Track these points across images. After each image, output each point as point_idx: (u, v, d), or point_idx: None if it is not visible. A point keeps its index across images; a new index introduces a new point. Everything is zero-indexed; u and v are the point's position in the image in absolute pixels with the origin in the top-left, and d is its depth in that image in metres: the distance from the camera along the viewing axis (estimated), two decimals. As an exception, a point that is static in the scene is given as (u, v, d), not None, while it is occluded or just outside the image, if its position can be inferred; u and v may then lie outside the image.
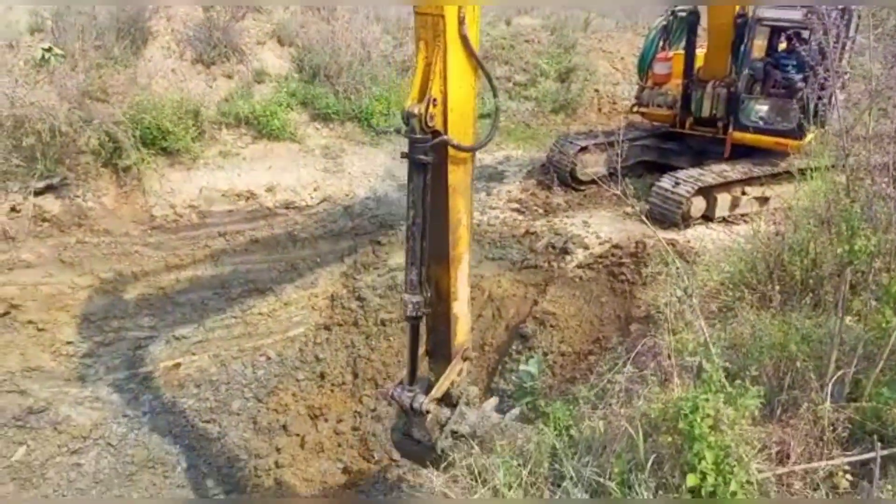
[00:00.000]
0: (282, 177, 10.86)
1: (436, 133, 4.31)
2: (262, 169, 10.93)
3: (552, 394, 6.55)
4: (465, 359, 5.17)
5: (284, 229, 10.45)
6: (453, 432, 4.86)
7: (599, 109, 15.51)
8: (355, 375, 9.27)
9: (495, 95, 5.06)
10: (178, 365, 9.34)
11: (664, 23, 11.59)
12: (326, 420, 8.96)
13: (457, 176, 4.64)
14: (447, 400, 5.07)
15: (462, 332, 5.09)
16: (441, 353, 5.05)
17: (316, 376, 9.41)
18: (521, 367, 6.40)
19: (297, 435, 8.78)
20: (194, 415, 8.94)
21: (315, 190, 10.94)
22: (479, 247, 10.08)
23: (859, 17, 9.11)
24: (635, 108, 11.98)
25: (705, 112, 10.68)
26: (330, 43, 12.61)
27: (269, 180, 10.77)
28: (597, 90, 15.75)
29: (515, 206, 11.24)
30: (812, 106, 7.50)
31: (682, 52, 11.36)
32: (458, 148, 4.50)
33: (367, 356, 9.38)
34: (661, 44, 11.63)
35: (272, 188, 10.68)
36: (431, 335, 5.04)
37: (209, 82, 11.53)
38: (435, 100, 4.23)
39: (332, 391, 9.22)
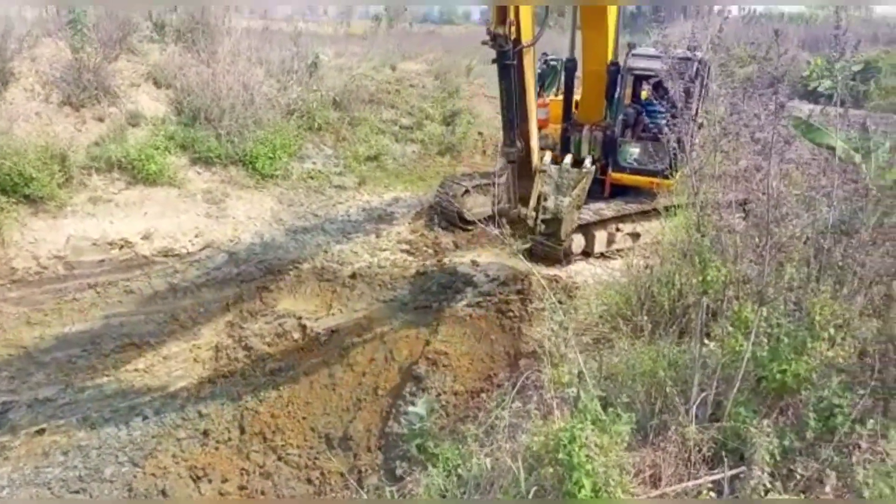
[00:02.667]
0: (160, 223, 10.37)
1: (516, 42, 6.21)
2: (137, 216, 10.38)
3: (445, 433, 6.55)
4: (540, 171, 8.08)
5: (163, 278, 9.93)
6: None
7: (484, 151, 16.06)
8: (242, 431, 8.81)
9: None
10: (41, 431, 8.52)
11: (538, 71, 12.24)
12: (210, 481, 8.41)
13: (529, 61, 6.81)
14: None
15: (535, 160, 7.80)
16: (527, 174, 7.89)
17: (199, 434, 8.86)
18: (411, 409, 6.38)
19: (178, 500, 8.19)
20: (61, 485, 8.13)
21: (196, 236, 10.51)
22: (369, 289, 10.03)
23: (709, 68, 10.08)
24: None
25: (584, 154, 11.29)
26: (211, 85, 12.34)
27: (145, 227, 10.24)
28: (480, 133, 16.32)
29: (405, 247, 11.32)
30: (674, 149, 8.14)
31: (556, 97, 12.02)
32: (528, 45, 6.52)
33: (255, 409, 8.96)
34: (537, 90, 12.25)
35: (149, 235, 10.16)
36: (520, 168, 7.69)
37: (78, 126, 10.91)
38: (512, 21, 6.02)
39: (216, 449, 8.70)
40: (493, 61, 6.52)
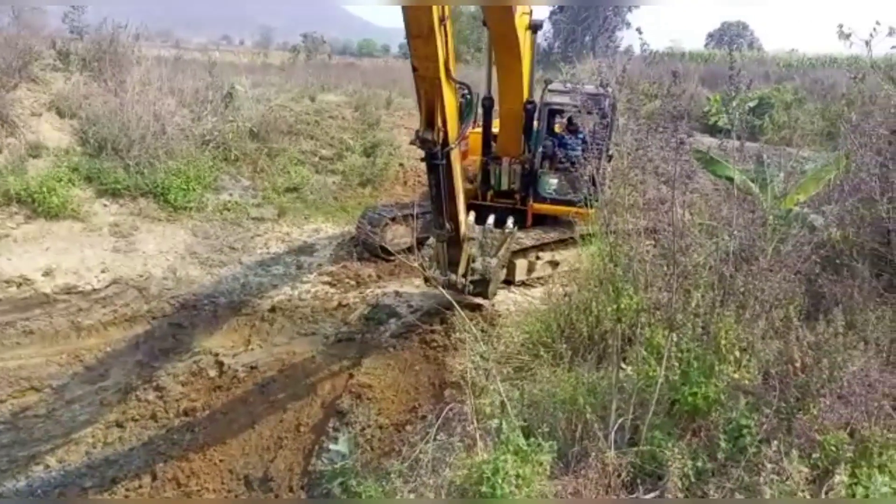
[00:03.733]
0: (62, 259, 9.78)
1: (443, 144, 6.49)
2: (37, 251, 9.77)
3: (369, 470, 6.41)
4: (468, 239, 8.22)
5: (66, 317, 9.35)
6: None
7: (405, 182, 16.13)
8: (154, 477, 8.33)
9: (470, 94, 7.39)
10: (-75, 489, 7.77)
11: (457, 104, 12.45)
12: (120, 532, 7.90)
13: (456, 155, 7.03)
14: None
15: (463, 230, 7.94)
16: (455, 244, 8.01)
17: (107, 482, 8.32)
18: (332, 446, 6.23)
19: (84, 554, 7.63)
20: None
21: (102, 272, 9.97)
22: (290, 322, 9.79)
23: (616, 103, 10.58)
24: (438, 182, 12.59)
25: (504, 186, 11.51)
26: (119, 115, 11.86)
27: (46, 263, 9.64)
28: (401, 164, 16.39)
29: (327, 279, 11.14)
30: (591, 178, 8.46)
31: (475, 130, 12.26)
32: (453, 146, 6.72)
33: (168, 452, 8.51)
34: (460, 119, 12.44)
35: (50, 272, 9.56)
36: (450, 242, 7.96)
37: (-29, 157, 10.22)
38: (440, 128, 6.32)
39: (126, 498, 8.19)
40: (422, 160, 6.86)
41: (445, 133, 6.50)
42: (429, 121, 6.33)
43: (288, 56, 36.06)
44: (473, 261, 8.47)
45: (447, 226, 7.55)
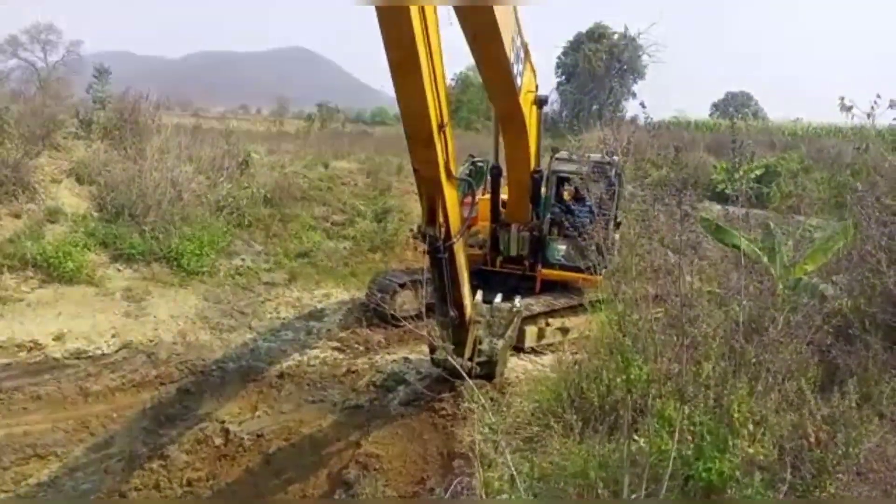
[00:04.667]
0: (74, 323, 9.85)
1: (446, 238, 6.50)
2: (50, 315, 9.85)
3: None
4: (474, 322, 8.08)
5: (74, 382, 9.31)
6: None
7: (415, 248, 16.24)
8: (154, 548, 8.12)
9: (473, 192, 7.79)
10: (-80, 561, 7.59)
11: (467, 171, 12.70)
12: None
13: (459, 247, 6.99)
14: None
15: (468, 314, 7.79)
16: (461, 327, 7.77)
17: (105, 554, 8.10)
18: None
19: None
20: None
21: (113, 336, 10.01)
22: (297, 389, 9.71)
23: (623, 171, 10.76)
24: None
25: (513, 252, 11.60)
26: (137, 182, 12.16)
27: (58, 328, 9.70)
28: (412, 230, 16.52)
29: (336, 344, 11.11)
30: (599, 245, 8.51)
31: (485, 196, 12.43)
32: (456, 240, 6.71)
33: (170, 524, 8.31)
34: (465, 189, 12.64)
35: (61, 336, 9.61)
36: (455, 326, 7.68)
37: (-8, 222, 10.46)
38: (441, 223, 6.35)
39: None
40: (425, 253, 6.90)
41: (448, 228, 6.52)
42: (430, 217, 6.38)
43: (303, 124, 37.11)
44: (480, 343, 8.30)
45: (452, 313, 7.42)
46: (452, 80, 56.11)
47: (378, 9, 4.62)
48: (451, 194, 6.44)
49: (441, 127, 5.73)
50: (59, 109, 14.84)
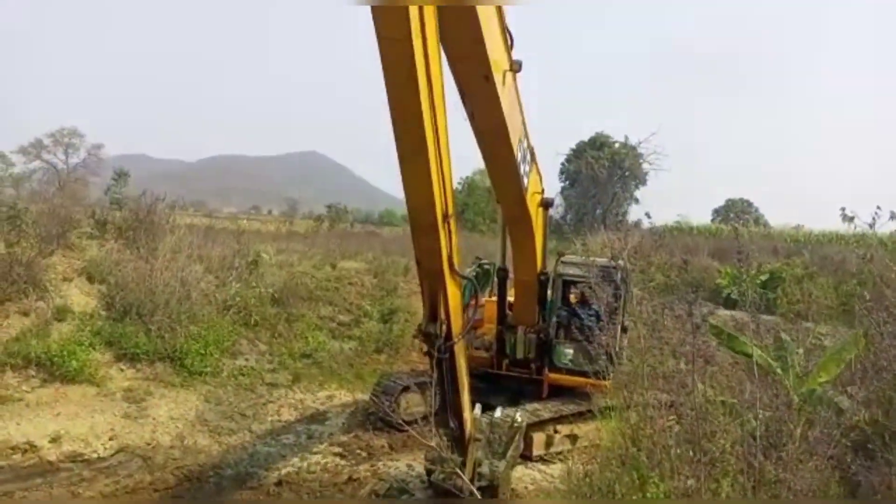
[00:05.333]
0: (71, 424, 9.63)
1: (447, 337, 6.23)
2: (48, 416, 9.66)
3: None
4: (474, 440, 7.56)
5: (66, 488, 8.98)
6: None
7: (421, 349, 16.08)
8: None
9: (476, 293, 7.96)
10: None
11: (473, 274, 12.79)
12: None
13: (460, 349, 6.75)
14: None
15: (468, 430, 7.33)
16: (461, 443, 7.33)
17: None
18: None
19: None
20: None
21: (111, 439, 9.76)
22: (296, 498, 9.32)
23: (629, 274, 10.81)
24: (454, 350, 12.57)
25: (520, 355, 11.46)
26: (147, 281, 12.28)
27: (55, 429, 9.48)
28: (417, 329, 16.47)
29: (338, 449, 10.77)
30: (606, 350, 8.41)
31: (491, 298, 12.45)
32: (459, 339, 6.46)
33: None
34: (472, 291, 12.68)
35: (58, 438, 9.37)
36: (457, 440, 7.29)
37: (0, 320, 10.47)
38: (443, 321, 6.10)
39: None
40: (425, 353, 6.69)
41: (449, 326, 6.27)
42: (432, 314, 6.18)
43: (312, 224, 37.86)
44: (479, 465, 7.76)
45: (452, 423, 7.05)
46: (459, 184, 57.86)
47: (393, 109, 4.85)
48: (453, 291, 6.26)
49: (446, 217, 5.66)
50: (76, 210, 15.25)
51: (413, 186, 5.37)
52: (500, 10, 6.44)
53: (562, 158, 56.62)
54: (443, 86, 5.10)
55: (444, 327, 6.18)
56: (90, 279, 12.30)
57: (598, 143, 54.84)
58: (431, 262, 5.91)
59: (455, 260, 6.14)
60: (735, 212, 60.09)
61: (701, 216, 58.49)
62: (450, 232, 5.85)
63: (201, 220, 23.55)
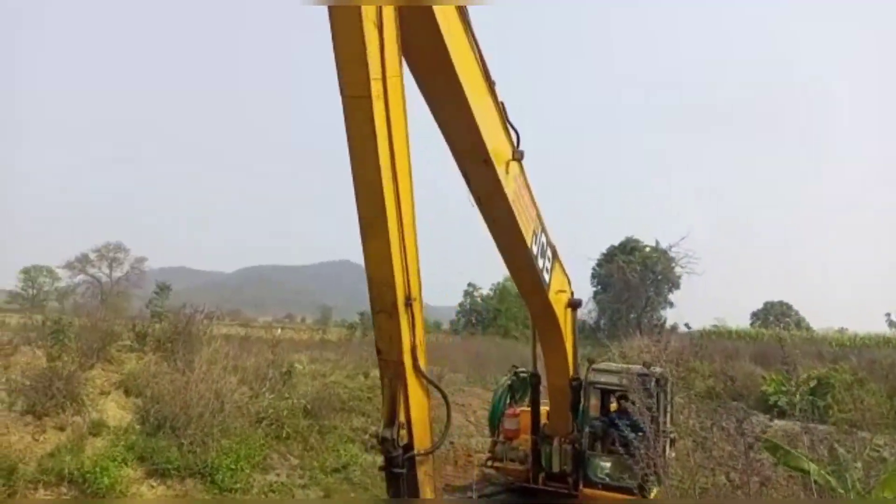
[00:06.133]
0: (99, 546, 9.39)
1: (406, 448, 5.27)
2: (76, 536, 9.44)
3: None
4: None
5: None
6: None
7: (455, 462, 15.57)
8: None
9: (447, 402, 5.94)
10: None
11: (509, 382, 12.56)
12: None
13: (426, 472, 5.54)
14: None
15: None
16: None
17: None
18: None
19: None
20: None
21: (137, 561, 9.46)
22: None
23: (668, 382, 10.50)
24: (490, 463, 12.15)
25: (555, 467, 10.98)
26: (182, 394, 12.30)
27: (82, 550, 9.24)
28: (451, 443, 16.00)
29: (370, 573, 10.25)
30: (647, 463, 8.02)
31: (528, 408, 12.13)
32: (420, 454, 5.41)
33: None
34: (508, 400, 12.42)
35: (84, 560, 9.12)
36: None
37: (36, 435, 10.52)
38: (402, 423, 5.23)
39: None
40: (380, 468, 5.55)
41: (410, 434, 5.35)
42: (390, 415, 5.29)
43: (345, 332, 37.96)
44: None
45: None
46: (490, 290, 58.03)
47: (352, 172, 4.70)
48: (416, 391, 5.38)
49: (408, 300, 5.11)
50: (117, 322, 15.60)
51: (373, 260, 4.97)
52: (499, 104, 6.47)
53: (592, 263, 56.75)
54: (408, 156, 4.89)
55: (403, 434, 5.29)
56: (127, 392, 12.38)
57: (628, 248, 55.06)
58: (391, 350, 5.22)
59: (421, 358, 5.38)
60: (774, 314, 58.68)
61: (739, 319, 57.12)
62: (413, 320, 5.23)
63: (238, 329, 23.86)
